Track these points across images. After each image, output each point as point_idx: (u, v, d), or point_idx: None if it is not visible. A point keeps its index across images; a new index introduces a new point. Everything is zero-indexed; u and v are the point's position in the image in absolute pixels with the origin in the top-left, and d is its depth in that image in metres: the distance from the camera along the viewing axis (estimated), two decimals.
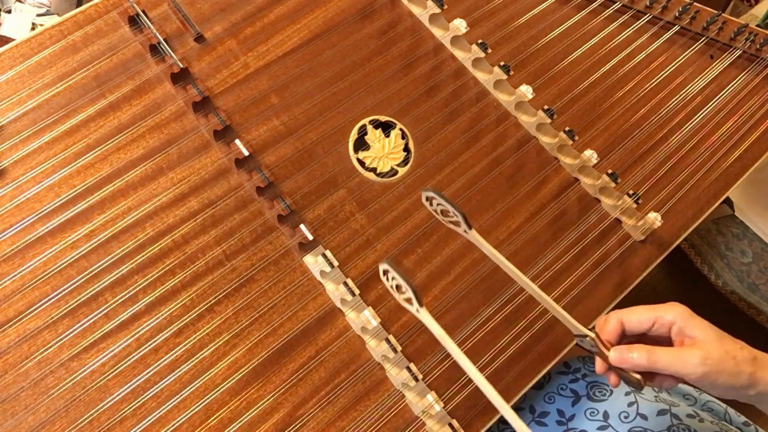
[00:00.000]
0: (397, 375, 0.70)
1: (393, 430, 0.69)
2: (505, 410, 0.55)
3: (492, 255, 0.62)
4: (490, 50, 0.84)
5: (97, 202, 0.70)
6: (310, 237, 0.72)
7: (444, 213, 0.62)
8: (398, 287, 0.59)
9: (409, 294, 0.58)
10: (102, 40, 0.76)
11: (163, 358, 0.66)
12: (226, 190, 0.74)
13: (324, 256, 0.72)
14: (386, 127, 0.82)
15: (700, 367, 0.55)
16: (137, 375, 0.65)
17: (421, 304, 0.58)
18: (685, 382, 0.58)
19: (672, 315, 0.58)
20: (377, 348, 0.70)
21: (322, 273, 0.72)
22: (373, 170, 0.79)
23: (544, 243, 0.81)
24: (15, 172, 0.69)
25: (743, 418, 0.83)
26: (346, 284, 0.71)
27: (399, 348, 0.70)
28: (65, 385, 0.64)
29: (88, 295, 0.67)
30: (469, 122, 0.84)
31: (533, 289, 0.61)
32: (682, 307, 0.59)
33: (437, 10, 0.85)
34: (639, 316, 0.59)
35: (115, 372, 0.65)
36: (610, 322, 0.60)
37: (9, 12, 1.11)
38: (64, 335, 0.65)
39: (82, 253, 0.68)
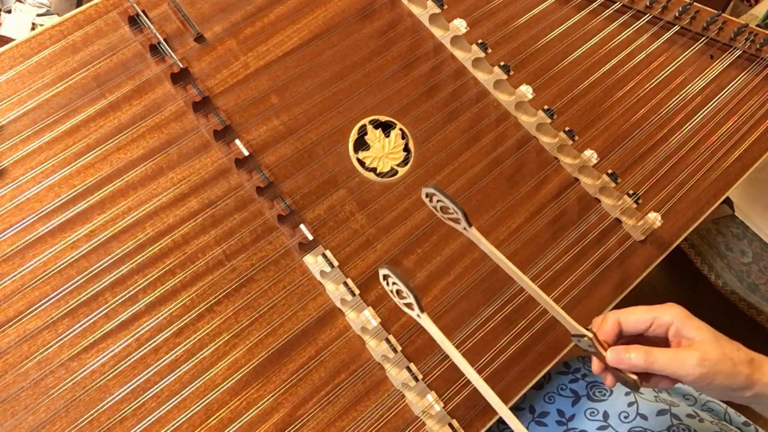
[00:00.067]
0: (397, 375, 0.70)
1: (393, 430, 0.69)
2: (508, 416, 0.55)
3: (491, 253, 0.62)
4: (490, 50, 0.84)
5: (97, 202, 0.70)
6: (310, 237, 0.72)
7: (444, 210, 0.62)
8: (398, 292, 0.59)
9: (410, 299, 0.58)
10: (102, 40, 0.76)
11: (163, 358, 0.66)
12: (226, 190, 0.74)
13: (324, 256, 0.72)
14: (386, 127, 0.82)
15: (698, 368, 0.55)
16: (137, 375, 0.65)
17: (422, 310, 0.58)
18: (681, 383, 0.58)
19: (669, 316, 0.58)
20: (377, 348, 0.70)
21: (322, 273, 0.72)
22: (373, 170, 0.79)
23: (544, 243, 0.81)
24: (15, 172, 0.69)
25: (743, 418, 0.83)
26: (346, 284, 0.71)
27: (399, 348, 0.70)
28: (65, 385, 0.64)
29: (88, 295, 0.67)
30: (469, 122, 0.84)
31: (532, 288, 0.61)
32: (679, 308, 0.59)
33: (437, 10, 0.85)
34: (636, 317, 0.59)
35: (115, 372, 0.65)
36: (608, 322, 0.60)
37: (9, 12, 1.11)
38: (64, 335, 0.65)
39: (82, 253, 0.68)
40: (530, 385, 0.75)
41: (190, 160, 0.74)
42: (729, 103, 0.95)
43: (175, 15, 0.79)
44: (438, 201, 0.61)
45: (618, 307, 0.75)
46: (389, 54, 0.85)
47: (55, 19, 0.86)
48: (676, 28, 0.97)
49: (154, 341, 0.67)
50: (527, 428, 0.63)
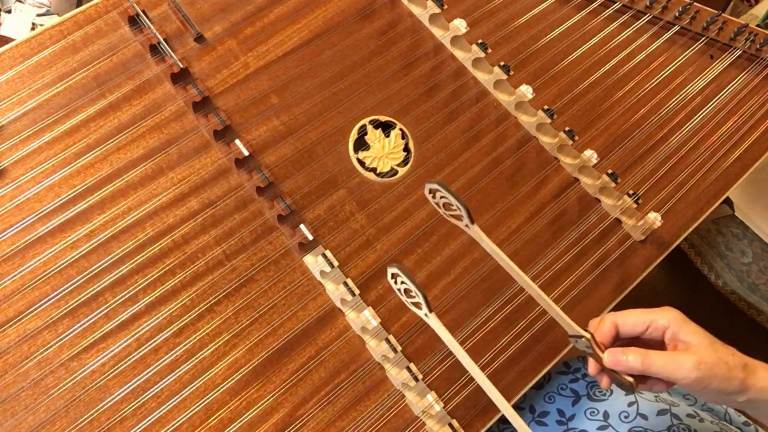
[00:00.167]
0: (397, 375, 0.70)
1: (393, 430, 0.69)
2: (512, 415, 0.55)
3: (492, 251, 0.62)
4: (490, 50, 0.84)
5: (97, 202, 0.70)
6: (310, 237, 0.72)
7: (446, 206, 0.62)
8: (407, 291, 0.59)
9: (419, 299, 0.57)
10: (102, 40, 0.76)
11: (163, 358, 0.66)
12: (226, 190, 0.74)
13: (324, 256, 0.72)
14: (386, 127, 0.82)
15: (694, 371, 0.55)
16: (137, 375, 0.65)
17: (430, 310, 0.58)
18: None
19: (666, 319, 0.58)
20: (377, 348, 0.70)
21: (322, 273, 0.72)
22: (373, 170, 0.79)
23: (544, 243, 0.81)
24: (15, 172, 0.69)
25: (743, 418, 0.83)
26: (346, 284, 0.71)
27: (399, 348, 0.70)
28: (65, 385, 0.64)
29: (88, 295, 0.67)
30: (469, 122, 0.84)
31: (532, 287, 0.61)
32: (676, 312, 0.59)
33: (437, 10, 0.85)
34: (634, 320, 0.59)
35: (115, 372, 0.65)
36: (605, 324, 0.60)
37: (9, 12, 1.11)
38: (64, 335, 0.65)
39: (82, 253, 0.68)
40: (530, 384, 0.75)
41: (190, 160, 0.74)
42: (729, 103, 0.95)
43: (175, 15, 0.79)
44: (441, 197, 0.61)
45: (618, 307, 0.75)
46: (389, 54, 0.85)
47: (55, 19, 0.86)
48: (676, 28, 0.97)
49: (154, 341, 0.67)
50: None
